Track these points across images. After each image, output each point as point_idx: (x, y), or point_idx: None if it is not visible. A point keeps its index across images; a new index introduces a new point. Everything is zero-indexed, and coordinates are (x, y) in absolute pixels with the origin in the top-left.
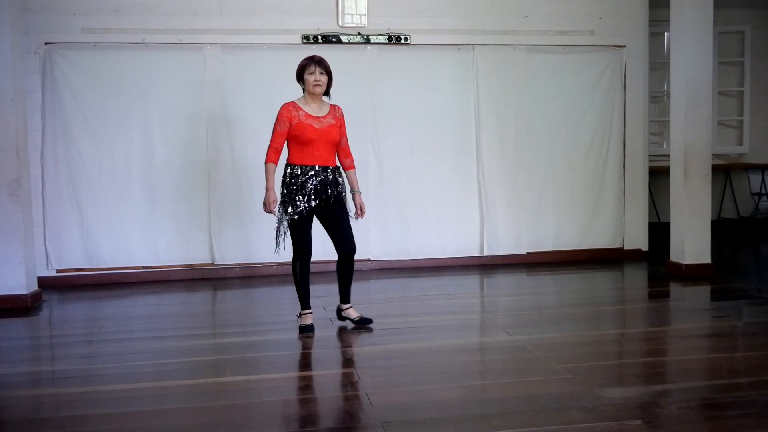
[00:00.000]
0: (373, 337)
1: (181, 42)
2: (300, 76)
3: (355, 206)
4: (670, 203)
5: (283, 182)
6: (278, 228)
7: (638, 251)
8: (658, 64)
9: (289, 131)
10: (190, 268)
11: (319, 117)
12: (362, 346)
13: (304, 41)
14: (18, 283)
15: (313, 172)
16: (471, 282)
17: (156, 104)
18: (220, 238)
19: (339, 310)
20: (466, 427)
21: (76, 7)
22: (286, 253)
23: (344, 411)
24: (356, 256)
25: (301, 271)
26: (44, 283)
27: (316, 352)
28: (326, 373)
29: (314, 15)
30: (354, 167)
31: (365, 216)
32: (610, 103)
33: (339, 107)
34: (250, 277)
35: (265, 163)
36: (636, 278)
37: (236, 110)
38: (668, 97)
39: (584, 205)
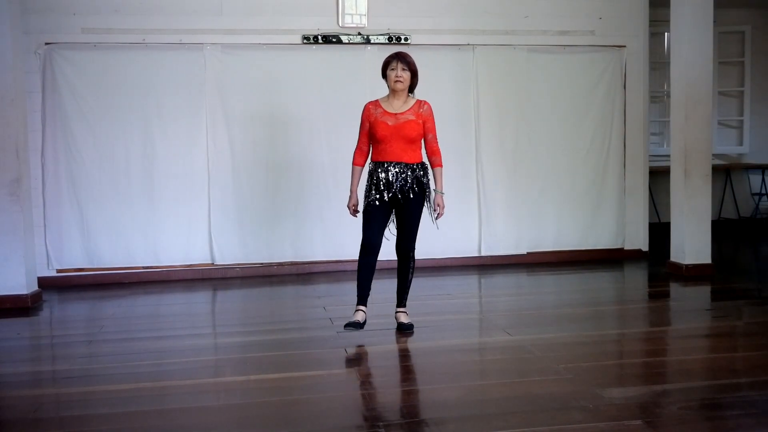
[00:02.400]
0: (373, 337)
1: (181, 42)
2: (384, 73)
3: (433, 205)
4: (671, 203)
5: (367, 178)
6: None
7: (638, 251)
8: (658, 64)
9: (369, 129)
10: (190, 268)
11: (396, 114)
12: (363, 346)
13: (304, 41)
14: (18, 283)
15: (383, 168)
16: (471, 282)
17: (156, 104)
18: (220, 238)
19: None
20: (466, 427)
21: (76, 7)
22: (286, 253)
23: (344, 411)
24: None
25: (362, 265)
26: (44, 283)
27: (316, 352)
28: (326, 373)
29: (314, 15)
30: (440, 165)
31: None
32: (610, 104)
33: (426, 103)
34: (250, 277)
35: (352, 164)
36: (636, 278)
37: (236, 110)
38: (668, 97)
39: (584, 205)
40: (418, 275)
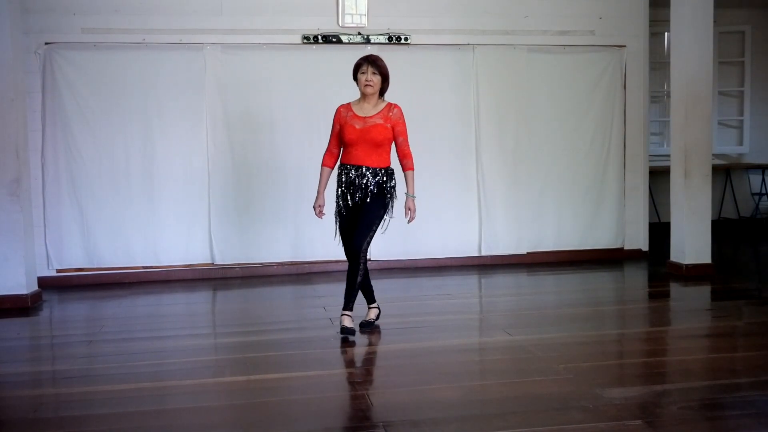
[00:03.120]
0: (373, 337)
1: (181, 42)
2: (354, 76)
3: (404, 210)
4: (671, 203)
5: (336, 182)
6: None
7: (638, 251)
8: (658, 64)
9: (339, 132)
10: (190, 268)
11: (365, 117)
12: (362, 346)
13: (304, 41)
14: (18, 283)
15: (345, 171)
16: (471, 282)
17: (156, 104)
18: (220, 238)
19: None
20: (466, 427)
21: (76, 7)
22: (286, 253)
23: (344, 411)
24: None
25: (348, 268)
26: (44, 283)
27: (316, 352)
28: (326, 373)
29: (314, 15)
30: (411, 168)
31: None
32: (611, 103)
33: (397, 107)
34: (250, 277)
35: (321, 165)
36: (636, 278)
37: (236, 110)
38: (668, 97)
39: (584, 205)
40: (418, 275)
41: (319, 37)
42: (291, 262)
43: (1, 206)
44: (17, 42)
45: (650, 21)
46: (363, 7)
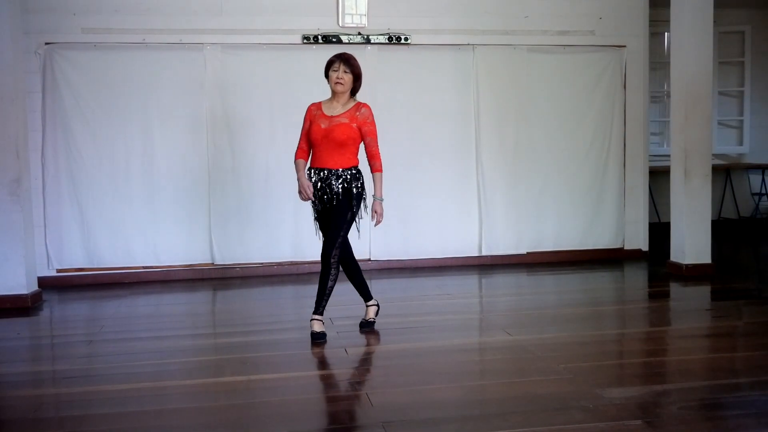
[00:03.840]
0: (373, 337)
1: (181, 42)
2: (326, 73)
3: (372, 212)
4: (671, 203)
5: None
6: None
7: (638, 251)
8: (658, 64)
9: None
10: (190, 268)
11: (331, 116)
12: (362, 346)
13: (305, 41)
14: (18, 283)
15: (314, 176)
16: (471, 282)
17: (156, 104)
18: (220, 238)
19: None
20: (466, 427)
21: (76, 7)
22: (286, 253)
23: (344, 411)
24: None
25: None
26: (44, 283)
27: (316, 352)
28: (326, 373)
29: (314, 15)
30: (379, 170)
31: (383, 222)
32: (611, 104)
33: (365, 106)
34: (250, 277)
35: (294, 160)
36: (636, 278)
37: (236, 110)
38: (668, 97)
39: (584, 205)
40: (418, 275)
41: (319, 37)
42: (291, 262)
43: (1, 206)
44: (17, 42)
45: (650, 21)
46: (363, 7)
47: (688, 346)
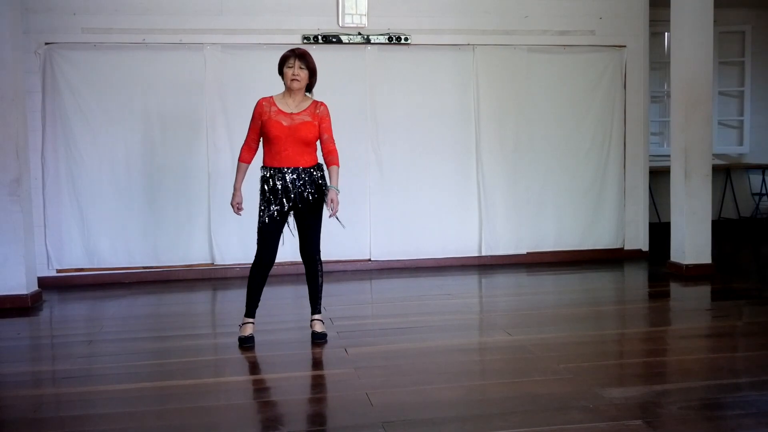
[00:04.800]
0: (373, 337)
1: (181, 42)
2: (280, 69)
3: (327, 201)
4: (671, 203)
5: (260, 186)
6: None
7: (638, 251)
8: (659, 64)
9: (261, 128)
10: (190, 268)
11: (291, 114)
12: (362, 346)
13: (305, 41)
14: (18, 283)
15: (280, 176)
16: (471, 282)
17: (156, 104)
18: (220, 238)
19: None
20: (466, 427)
21: (76, 7)
22: (286, 253)
23: (344, 411)
24: (357, 256)
25: (253, 277)
26: (44, 283)
27: (316, 352)
28: (326, 373)
29: (314, 15)
30: (336, 164)
31: (338, 213)
32: (611, 104)
33: (323, 104)
34: None
35: (238, 160)
36: (636, 278)
37: (236, 110)
38: (668, 97)
39: (585, 206)
40: (418, 275)
41: (319, 37)
42: (290, 262)
43: (1, 206)
44: (17, 42)
45: (650, 21)
46: (363, 7)
47: (688, 346)
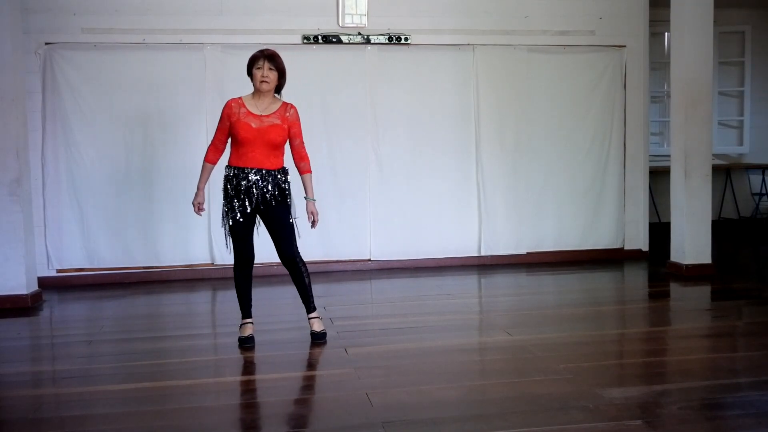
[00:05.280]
0: (373, 337)
1: (181, 42)
2: (249, 71)
3: (307, 214)
4: (671, 203)
5: (223, 185)
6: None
7: (638, 251)
8: (658, 64)
9: (230, 129)
10: (190, 268)
11: (261, 116)
12: (362, 346)
13: (305, 41)
14: (18, 283)
15: (243, 175)
16: (471, 282)
17: (156, 104)
18: (220, 238)
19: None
20: (466, 427)
21: (76, 7)
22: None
23: (344, 411)
24: (357, 256)
25: (238, 278)
26: (44, 283)
27: (316, 352)
28: (326, 373)
29: (314, 15)
30: (309, 171)
31: (318, 222)
32: (611, 104)
33: (293, 107)
34: None
35: (203, 160)
36: (636, 278)
37: None
38: (668, 97)
39: (584, 206)
40: (418, 275)
41: (319, 37)
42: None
43: (1, 206)
44: (17, 42)
45: (650, 21)
46: (363, 7)
47: (688, 346)
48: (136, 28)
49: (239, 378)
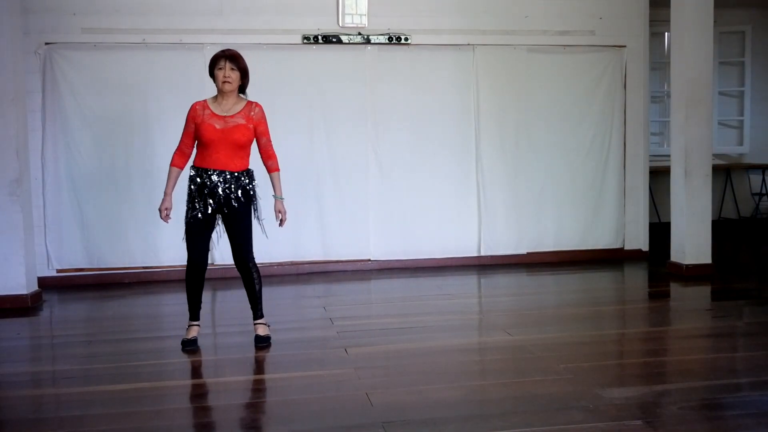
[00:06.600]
0: (373, 337)
1: (181, 42)
2: (211, 72)
3: (275, 213)
4: (671, 203)
5: (188, 185)
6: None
7: (638, 251)
8: (659, 64)
9: (195, 132)
10: None
11: (224, 116)
12: (362, 346)
13: (305, 41)
14: (18, 283)
15: (206, 176)
16: (471, 282)
17: (156, 104)
18: (220, 238)
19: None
20: (466, 427)
21: (76, 7)
22: (286, 253)
23: (344, 411)
24: (357, 256)
25: (189, 279)
26: (44, 283)
27: (316, 352)
28: (326, 373)
29: (314, 15)
30: (277, 170)
31: (286, 222)
32: (611, 104)
33: (258, 105)
34: None
35: (170, 164)
36: (636, 278)
37: None
38: (668, 97)
39: (584, 206)
40: (418, 275)
41: (319, 37)
42: (291, 262)
43: (1, 206)
44: (17, 42)
45: (650, 21)
46: (363, 7)
47: (688, 346)
48: (136, 28)
49: (239, 378)
